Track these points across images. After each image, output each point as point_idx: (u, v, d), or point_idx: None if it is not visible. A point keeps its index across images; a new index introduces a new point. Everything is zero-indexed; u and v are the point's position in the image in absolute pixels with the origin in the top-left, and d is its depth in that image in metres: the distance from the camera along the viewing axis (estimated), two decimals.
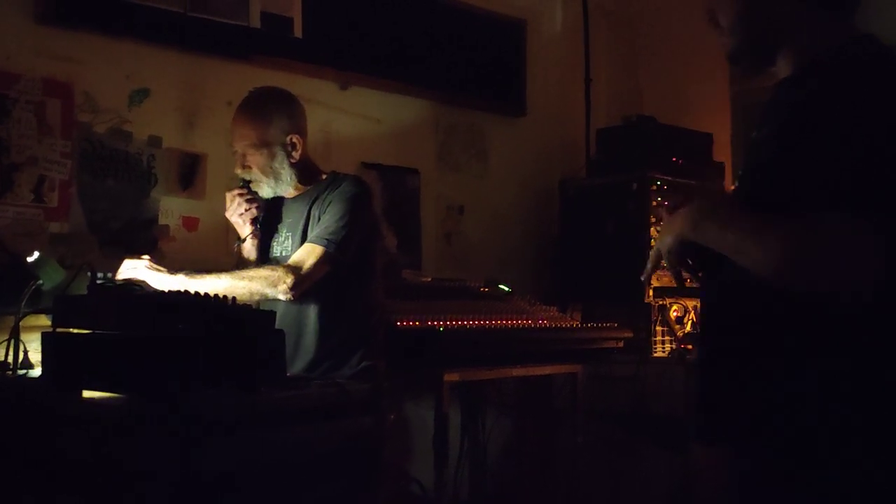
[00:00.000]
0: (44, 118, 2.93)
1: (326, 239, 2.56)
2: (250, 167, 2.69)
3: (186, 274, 2.48)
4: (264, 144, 2.66)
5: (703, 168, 4.10)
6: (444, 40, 4.05)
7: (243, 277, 2.49)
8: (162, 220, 3.21)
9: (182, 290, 2.19)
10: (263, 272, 2.51)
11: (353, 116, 3.76)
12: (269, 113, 2.67)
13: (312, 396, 2.25)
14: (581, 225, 4.12)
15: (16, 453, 2.09)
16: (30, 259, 2.42)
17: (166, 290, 2.32)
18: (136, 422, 1.91)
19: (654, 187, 3.85)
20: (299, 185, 2.75)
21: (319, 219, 2.64)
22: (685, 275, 1.60)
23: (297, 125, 2.72)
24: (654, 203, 3.82)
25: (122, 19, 3.08)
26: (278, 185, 2.72)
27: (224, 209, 2.76)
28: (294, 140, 2.68)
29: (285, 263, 2.57)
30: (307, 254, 2.56)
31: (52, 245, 2.89)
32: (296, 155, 2.69)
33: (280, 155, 2.67)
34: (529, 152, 4.41)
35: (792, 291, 1.37)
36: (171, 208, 3.23)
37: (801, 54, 1.54)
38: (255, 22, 3.39)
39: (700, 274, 1.58)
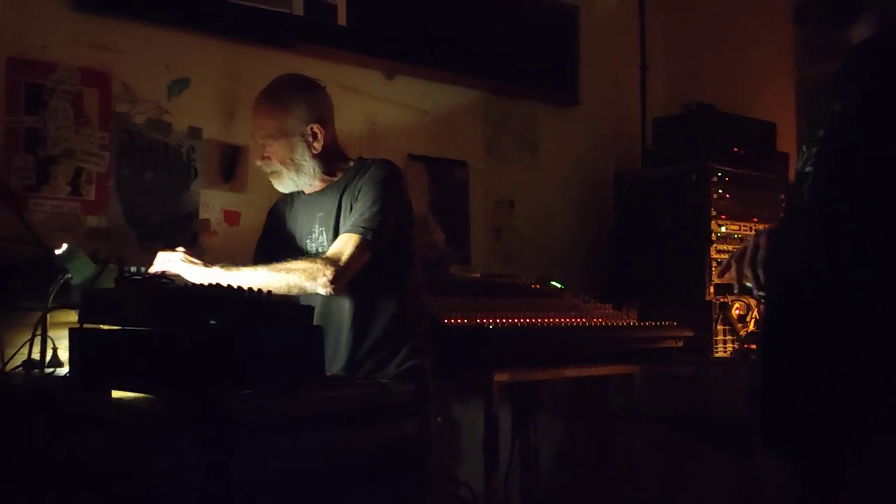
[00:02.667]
0: (81, 109, 2.87)
1: (362, 227, 2.45)
2: (270, 158, 2.58)
3: (222, 266, 2.37)
4: (282, 135, 2.54)
5: (767, 159, 3.94)
6: (493, 27, 3.93)
7: (281, 270, 2.37)
8: (203, 214, 3.14)
9: (216, 283, 2.09)
10: (302, 264, 2.39)
11: (399, 107, 3.67)
12: (287, 101, 2.56)
13: (354, 397, 2.16)
14: (637, 218, 4.00)
15: (42, 455, 2.01)
16: (58, 252, 2.33)
17: (199, 284, 2.22)
18: (166, 424, 1.82)
19: (715, 179, 3.73)
20: (325, 177, 2.63)
21: (352, 208, 2.52)
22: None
23: (319, 114, 2.58)
24: (715, 195, 3.66)
25: (160, 6, 3.02)
26: (300, 177, 2.60)
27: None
28: (315, 129, 2.56)
29: (323, 255, 2.45)
30: (344, 244, 2.43)
31: (90, 240, 2.83)
32: (317, 146, 2.57)
33: (300, 146, 2.56)
34: (582, 143, 4.29)
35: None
36: (212, 202, 3.16)
37: (887, 15, 1.42)
38: (298, 9, 3.32)
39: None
